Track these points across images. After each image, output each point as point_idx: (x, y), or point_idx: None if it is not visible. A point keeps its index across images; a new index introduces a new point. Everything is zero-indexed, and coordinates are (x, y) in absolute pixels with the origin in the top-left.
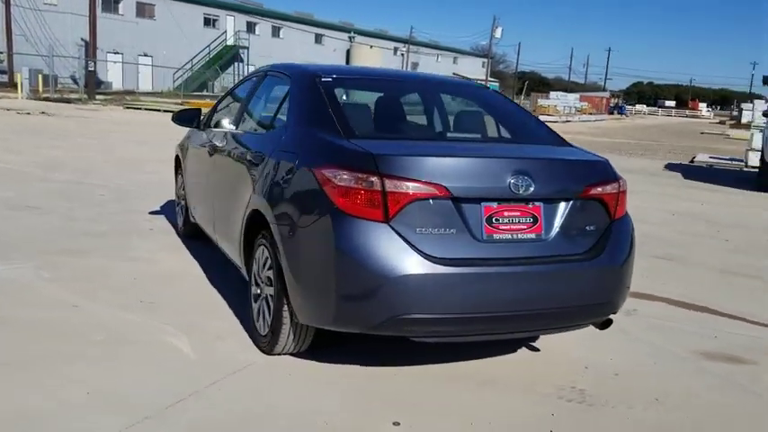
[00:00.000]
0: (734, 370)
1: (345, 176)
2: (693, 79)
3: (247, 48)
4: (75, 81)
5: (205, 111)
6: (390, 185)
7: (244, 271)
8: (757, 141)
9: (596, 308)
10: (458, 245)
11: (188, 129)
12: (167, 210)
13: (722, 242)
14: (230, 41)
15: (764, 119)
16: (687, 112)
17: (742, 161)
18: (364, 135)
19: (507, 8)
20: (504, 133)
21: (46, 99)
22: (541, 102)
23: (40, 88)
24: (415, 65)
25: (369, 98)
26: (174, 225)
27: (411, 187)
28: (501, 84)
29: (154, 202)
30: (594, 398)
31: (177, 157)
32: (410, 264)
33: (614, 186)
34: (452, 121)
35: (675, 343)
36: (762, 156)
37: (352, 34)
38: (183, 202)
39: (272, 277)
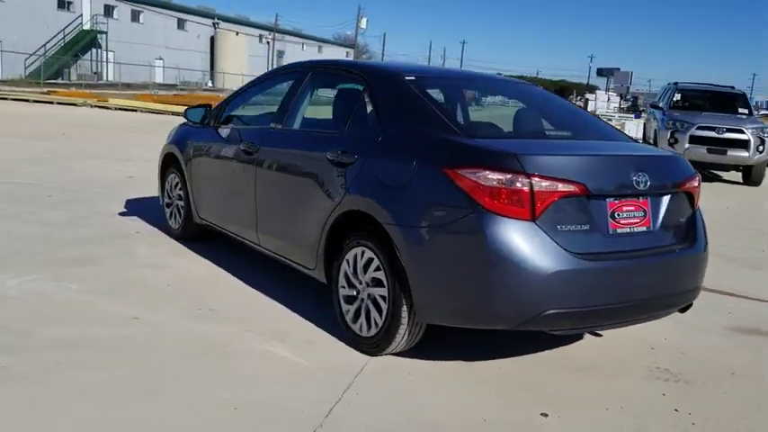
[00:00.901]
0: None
1: (492, 176)
2: (539, 71)
3: (105, 33)
4: None
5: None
6: (538, 184)
7: (318, 273)
8: (640, 131)
9: (689, 293)
10: (591, 240)
11: (176, 127)
12: (134, 210)
13: None
14: (87, 26)
15: (651, 109)
16: None
17: None
18: (482, 134)
19: None
20: (589, 131)
21: None
22: None
23: None
24: (281, 53)
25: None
26: (157, 226)
27: (555, 186)
28: None
29: (110, 202)
30: (682, 376)
31: (168, 156)
32: (557, 261)
33: (698, 180)
34: (543, 120)
35: (702, 319)
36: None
37: (216, 20)
38: (179, 203)
39: (381, 278)
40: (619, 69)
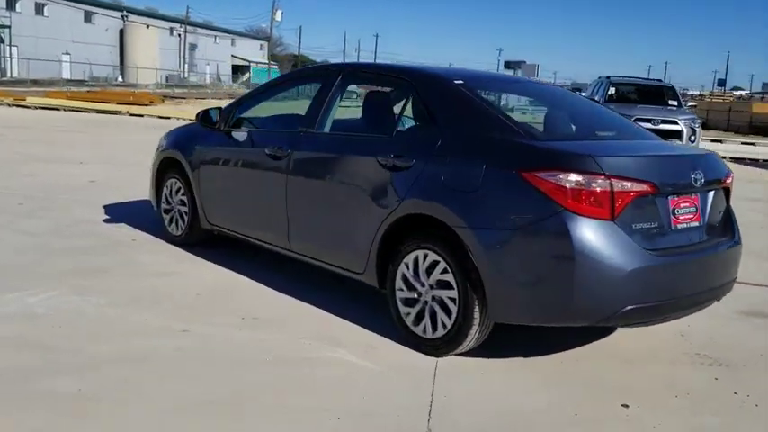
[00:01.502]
0: None
1: (573, 178)
2: (451, 63)
3: (9, 27)
4: None
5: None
6: (617, 185)
7: (368, 277)
8: None
9: (731, 283)
10: (659, 237)
11: (172, 130)
12: (117, 216)
13: None
14: None
15: None
16: None
17: None
18: (547, 137)
19: None
20: (627, 131)
21: None
22: None
23: None
24: (194, 46)
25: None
26: (150, 232)
27: (631, 186)
28: (279, 67)
29: (86, 208)
30: (721, 360)
31: (166, 161)
32: (636, 258)
33: (732, 176)
34: (590, 122)
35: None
36: None
37: (125, 13)
38: (181, 209)
39: (449, 280)
40: (525, 62)
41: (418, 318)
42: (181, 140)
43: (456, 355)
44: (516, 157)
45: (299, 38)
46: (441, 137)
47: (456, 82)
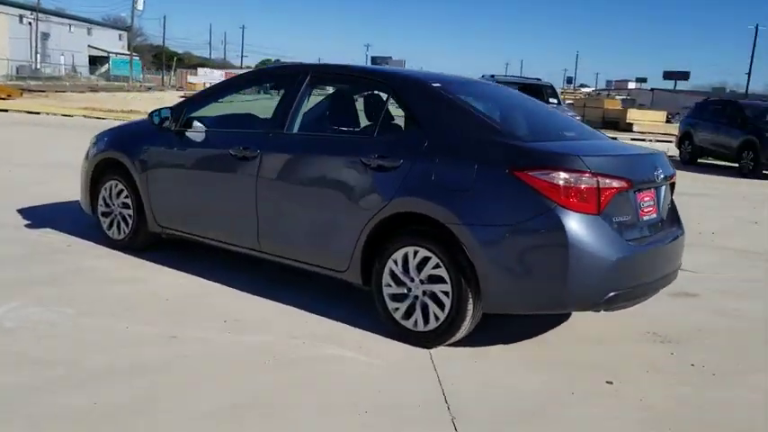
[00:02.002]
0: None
1: (563, 176)
2: (321, 58)
3: None
4: None
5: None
6: (603, 182)
7: (352, 275)
8: None
9: (678, 269)
10: (632, 228)
11: (106, 131)
12: (36, 220)
13: None
14: None
15: None
16: None
17: None
18: (530, 138)
19: None
20: (585, 132)
21: None
22: (191, 78)
23: None
24: (46, 35)
25: None
26: (82, 237)
27: (613, 183)
28: (141, 58)
29: None
30: (669, 336)
31: (104, 163)
32: (619, 248)
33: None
34: (554, 124)
35: None
36: None
37: None
38: (124, 212)
39: (442, 275)
40: (391, 58)
41: (408, 312)
42: (123, 141)
43: (444, 345)
44: (507, 156)
45: (164, 28)
46: (427, 138)
47: (434, 85)
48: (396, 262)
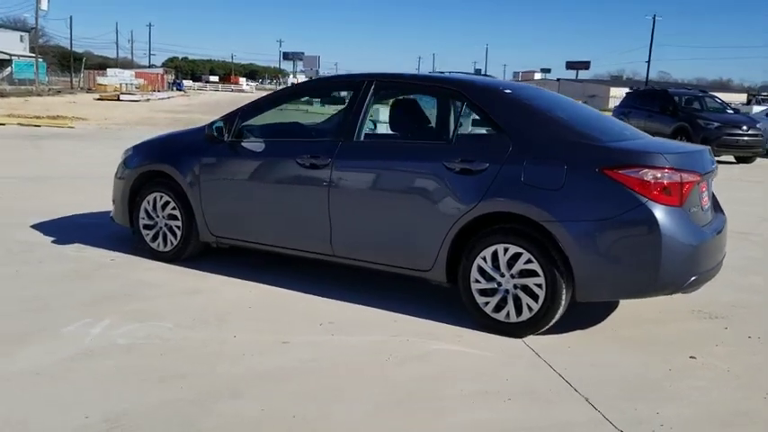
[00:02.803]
0: None
1: (652, 173)
2: (234, 55)
3: None
4: None
5: None
6: (684, 177)
7: (437, 273)
8: None
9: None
10: (701, 217)
11: (142, 144)
12: (58, 235)
13: None
14: None
15: None
16: (232, 86)
17: None
18: (608, 139)
19: None
20: (635, 132)
21: None
22: (100, 80)
23: None
24: None
25: None
26: (115, 249)
27: (690, 177)
28: (45, 60)
29: (13, 229)
30: (713, 313)
31: (146, 175)
32: (699, 235)
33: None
34: (611, 126)
35: None
36: None
37: None
38: (172, 223)
39: (535, 269)
40: (304, 54)
41: (498, 306)
42: (168, 153)
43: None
44: (596, 157)
45: (71, 29)
46: (512, 142)
47: (507, 92)
48: (485, 259)
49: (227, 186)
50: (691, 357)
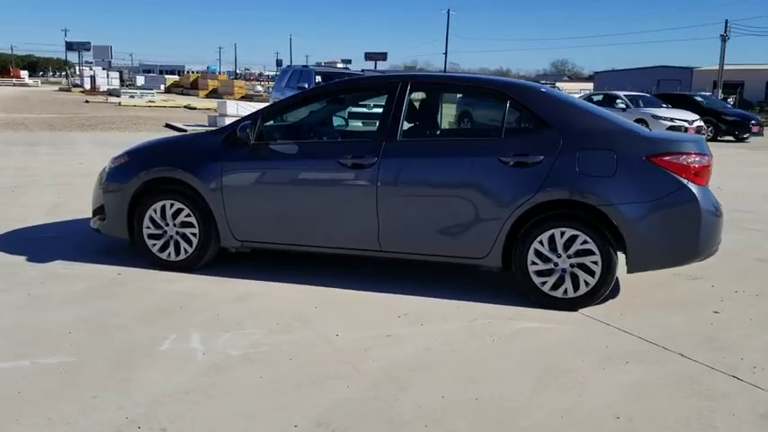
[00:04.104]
0: None
1: (691, 159)
2: (14, 46)
3: None
4: None
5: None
6: (707, 160)
7: (492, 259)
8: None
9: None
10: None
11: (144, 148)
12: (44, 250)
13: None
14: None
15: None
16: (14, 80)
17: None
18: (641, 130)
19: None
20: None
21: None
22: None
23: None
24: None
25: None
26: (114, 263)
27: (709, 160)
28: None
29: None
30: (693, 275)
31: (153, 182)
32: (718, 210)
33: None
34: (623, 118)
35: None
36: None
37: None
38: (185, 231)
39: (591, 248)
40: (90, 43)
41: (556, 284)
42: (180, 158)
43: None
44: (642, 146)
45: None
46: (561, 136)
47: (543, 90)
48: (541, 242)
49: (257, 190)
50: (714, 312)
